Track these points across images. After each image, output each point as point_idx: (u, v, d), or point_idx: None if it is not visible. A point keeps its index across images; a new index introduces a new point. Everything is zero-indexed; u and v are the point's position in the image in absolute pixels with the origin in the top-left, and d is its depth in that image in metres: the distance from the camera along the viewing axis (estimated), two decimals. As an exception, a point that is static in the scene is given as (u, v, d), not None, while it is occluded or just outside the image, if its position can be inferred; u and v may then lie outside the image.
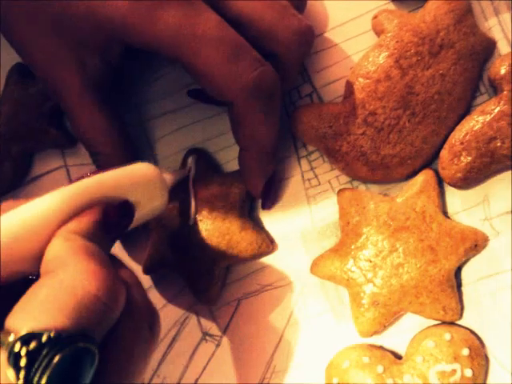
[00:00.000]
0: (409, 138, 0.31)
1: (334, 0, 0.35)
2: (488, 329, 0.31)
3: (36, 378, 0.20)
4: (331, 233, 0.34)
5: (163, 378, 0.36)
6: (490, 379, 0.31)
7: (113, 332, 0.23)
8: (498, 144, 0.29)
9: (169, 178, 0.31)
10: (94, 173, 0.27)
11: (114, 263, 0.26)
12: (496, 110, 0.30)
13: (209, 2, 0.29)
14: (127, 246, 0.37)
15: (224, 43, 0.28)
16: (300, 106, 0.34)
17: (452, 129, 0.31)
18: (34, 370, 0.20)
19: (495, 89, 0.31)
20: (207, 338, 0.35)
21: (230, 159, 0.36)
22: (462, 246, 0.30)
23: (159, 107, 0.38)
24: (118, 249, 0.36)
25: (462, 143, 0.30)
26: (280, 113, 0.31)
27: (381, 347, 0.33)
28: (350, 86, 0.32)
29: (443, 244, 0.30)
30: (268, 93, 0.29)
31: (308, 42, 0.32)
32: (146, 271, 0.35)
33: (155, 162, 0.37)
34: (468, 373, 0.30)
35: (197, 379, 0.35)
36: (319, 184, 0.35)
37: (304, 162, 0.35)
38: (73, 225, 0.25)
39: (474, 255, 0.32)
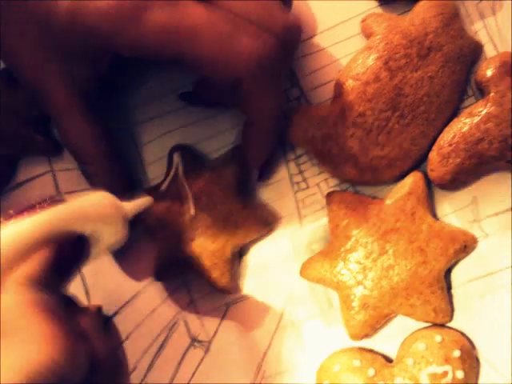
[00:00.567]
0: (398, 139, 0.31)
1: (322, 3, 0.35)
2: (478, 331, 0.31)
3: None
4: (320, 236, 0.34)
5: (151, 386, 0.35)
6: (481, 382, 0.31)
7: None
8: (486, 145, 0.30)
9: (129, 206, 0.30)
10: (42, 206, 0.25)
11: (72, 310, 0.24)
12: (483, 112, 0.30)
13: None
14: (128, 256, 0.36)
15: (218, 26, 0.28)
16: (289, 109, 0.34)
17: (440, 131, 0.31)
18: None
19: (482, 91, 0.31)
20: (195, 343, 0.35)
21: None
22: (452, 248, 0.31)
23: (147, 111, 0.37)
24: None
25: (450, 145, 0.30)
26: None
27: (371, 350, 0.32)
28: (339, 88, 0.32)
29: (433, 245, 0.30)
30: (272, 62, 0.29)
31: (295, 38, 0.31)
32: (158, 277, 0.35)
33: (142, 166, 0.37)
34: (459, 374, 0.29)
35: (185, 386, 0.35)
36: (308, 187, 0.35)
37: (292, 165, 0.35)
38: (23, 271, 0.23)
39: (463, 257, 0.32)
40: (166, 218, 0.34)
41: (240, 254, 0.35)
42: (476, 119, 0.30)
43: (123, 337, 0.36)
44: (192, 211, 0.33)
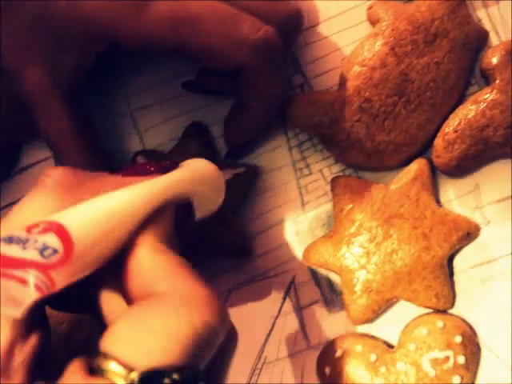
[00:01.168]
0: (404, 124, 0.31)
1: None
2: (480, 317, 0.32)
3: None
4: (323, 222, 0.34)
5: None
6: (482, 368, 0.31)
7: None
8: (491, 132, 0.30)
9: (226, 174, 0.30)
10: (157, 170, 0.25)
11: None
12: (489, 99, 0.30)
13: None
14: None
15: (221, 15, 0.29)
16: (294, 94, 0.34)
17: (446, 117, 0.31)
18: None
19: (487, 79, 0.32)
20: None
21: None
22: (455, 234, 0.31)
23: (147, 98, 0.37)
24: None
25: (455, 131, 0.31)
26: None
27: (373, 336, 0.32)
28: (345, 74, 0.32)
29: (436, 231, 0.31)
30: (274, 50, 0.29)
31: (296, 26, 0.32)
32: None
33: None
34: (461, 360, 0.30)
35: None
36: (311, 173, 0.35)
37: (295, 151, 0.35)
38: (154, 231, 0.22)
39: (466, 244, 0.32)
40: None
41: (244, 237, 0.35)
42: (481, 106, 0.30)
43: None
44: None
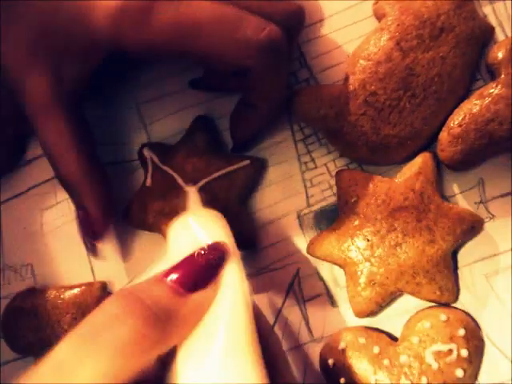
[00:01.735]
0: (409, 118, 0.31)
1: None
2: (483, 311, 0.32)
3: None
4: (327, 215, 0.34)
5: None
6: (486, 362, 0.31)
7: None
8: (496, 126, 0.30)
9: None
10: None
11: None
12: (494, 93, 0.30)
13: None
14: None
15: (224, 17, 0.29)
16: (300, 88, 0.34)
17: (451, 111, 0.31)
18: None
19: (492, 74, 0.32)
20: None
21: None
22: (459, 228, 0.31)
23: (154, 91, 0.37)
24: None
25: (460, 125, 0.31)
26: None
27: (377, 329, 0.32)
28: (351, 68, 0.32)
29: (441, 225, 0.31)
30: (279, 49, 0.30)
31: (298, 23, 0.33)
32: None
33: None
34: (464, 353, 0.30)
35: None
36: (316, 167, 0.35)
37: (300, 145, 0.35)
38: None
39: (470, 238, 0.32)
40: (165, 208, 0.34)
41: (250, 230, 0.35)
42: (486, 100, 0.30)
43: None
44: (185, 188, 0.34)
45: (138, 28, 0.29)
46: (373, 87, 0.32)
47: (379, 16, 0.33)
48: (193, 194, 0.34)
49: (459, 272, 0.32)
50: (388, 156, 0.32)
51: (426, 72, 0.31)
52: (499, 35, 0.33)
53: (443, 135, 0.31)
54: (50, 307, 0.35)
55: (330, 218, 0.34)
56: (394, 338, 0.32)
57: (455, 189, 0.33)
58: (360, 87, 0.32)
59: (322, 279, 0.34)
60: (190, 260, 0.25)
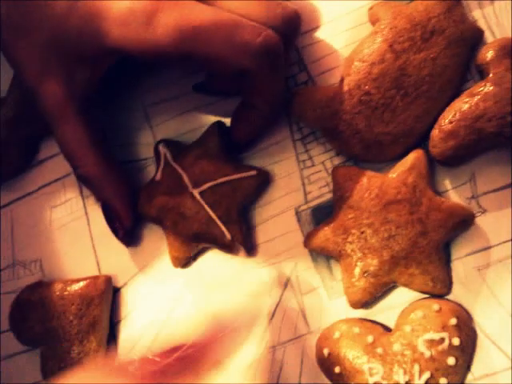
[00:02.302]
0: (401, 116, 0.33)
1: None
2: (476, 304, 0.32)
3: None
4: (324, 211, 0.35)
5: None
6: (478, 353, 0.32)
7: None
8: (485, 122, 0.31)
9: None
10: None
11: None
12: (483, 92, 0.32)
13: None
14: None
15: (223, 23, 0.31)
16: (298, 89, 0.35)
17: (442, 110, 0.33)
18: None
19: (481, 74, 0.33)
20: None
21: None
22: (451, 221, 0.32)
23: (160, 94, 0.39)
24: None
25: (451, 122, 0.32)
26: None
27: (371, 321, 0.33)
28: (346, 70, 0.34)
29: (432, 217, 0.32)
30: (276, 52, 0.31)
31: (294, 28, 0.34)
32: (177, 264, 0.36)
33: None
34: (456, 341, 0.30)
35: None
36: (313, 165, 0.36)
37: (299, 144, 0.37)
38: None
39: (461, 231, 0.33)
40: (168, 203, 0.35)
41: (247, 227, 0.36)
42: (476, 98, 0.32)
43: (131, 307, 0.37)
44: (190, 190, 0.35)
45: (142, 34, 0.31)
46: (367, 87, 0.33)
47: (374, 21, 0.35)
48: None
49: (452, 265, 0.33)
50: (382, 153, 0.34)
51: (417, 72, 0.33)
52: (489, 38, 0.34)
53: (435, 132, 0.32)
54: (56, 299, 0.36)
55: (327, 214, 0.35)
56: (388, 330, 0.33)
57: (447, 185, 0.34)
58: (355, 87, 0.33)
59: (318, 273, 0.35)
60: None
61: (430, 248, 0.31)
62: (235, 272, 0.36)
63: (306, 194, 0.36)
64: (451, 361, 0.30)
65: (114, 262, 0.38)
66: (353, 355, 0.31)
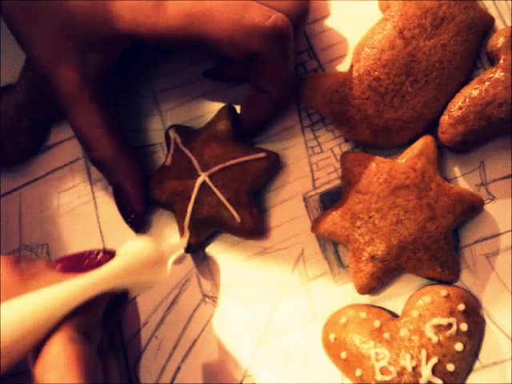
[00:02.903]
0: (411, 102, 0.33)
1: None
2: (484, 291, 0.32)
3: None
4: (332, 196, 0.35)
5: (161, 340, 0.36)
6: (486, 340, 0.32)
7: None
8: (495, 108, 0.31)
9: (168, 249, 0.32)
10: (92, 265, 0.27)
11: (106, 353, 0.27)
12: (493, 78, 0.32)
13: None
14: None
15: (232, 6, 0.31)
16: (308, 75, 0.36)
17: (452, 96, 0.33)
18: None
19: (492, 61, 0.33)
20: (206, 299, 0.36)
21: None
22: (460, 206, 0.32)
23: (170, 81, 0.39)
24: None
25: (460, 108, 0.32)
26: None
27: (378, 307, 0.33)
28: (356, 56, 0.34)
29: (441, 203, 0.32)
30: (285, 35, 0.31)
31: (302, 13, 0.34)
32: (187, 249, 0.36)
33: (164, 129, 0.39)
34: (464, 327, 0.30)
35: (195, 340, 0.35)
36: (322, 151, 0.36)
37: (308, 131, 0.37)
38: (76, 321, 0.25)
39: (470, 217, 0.33)
40: (178, 188, 0.35)
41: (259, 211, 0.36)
42: (486, 84, 0.32)
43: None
44: (199, 173, 0.35)
45: (152, 18, 0.31)
46: (376, 73, 0.33)
47: (383, 9, 0.35)
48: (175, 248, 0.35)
49: (460, 252, 0.33)
50: (390, 139, 0.34)
51: (427, 58, 0.33)
52: (499, 26, 0.34)
53: (444, 118, 0.32)
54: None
55: (335, 200, 0.35)
56: (395, 316, 0.33)
57: (456, 172, 0.34)
58: (364, 73, 0.33)
59: (326, 259, 0.35)
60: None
61: (439, 233, 0.31)
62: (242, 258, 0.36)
63: (314, 180, 0.36)
64: (459, 346, 0.30)
65: (120, 245, 0.38)
66: (359, 340, 0.31)
